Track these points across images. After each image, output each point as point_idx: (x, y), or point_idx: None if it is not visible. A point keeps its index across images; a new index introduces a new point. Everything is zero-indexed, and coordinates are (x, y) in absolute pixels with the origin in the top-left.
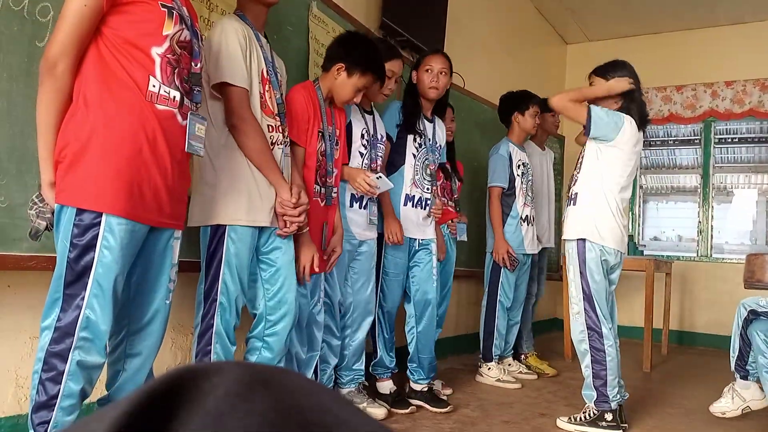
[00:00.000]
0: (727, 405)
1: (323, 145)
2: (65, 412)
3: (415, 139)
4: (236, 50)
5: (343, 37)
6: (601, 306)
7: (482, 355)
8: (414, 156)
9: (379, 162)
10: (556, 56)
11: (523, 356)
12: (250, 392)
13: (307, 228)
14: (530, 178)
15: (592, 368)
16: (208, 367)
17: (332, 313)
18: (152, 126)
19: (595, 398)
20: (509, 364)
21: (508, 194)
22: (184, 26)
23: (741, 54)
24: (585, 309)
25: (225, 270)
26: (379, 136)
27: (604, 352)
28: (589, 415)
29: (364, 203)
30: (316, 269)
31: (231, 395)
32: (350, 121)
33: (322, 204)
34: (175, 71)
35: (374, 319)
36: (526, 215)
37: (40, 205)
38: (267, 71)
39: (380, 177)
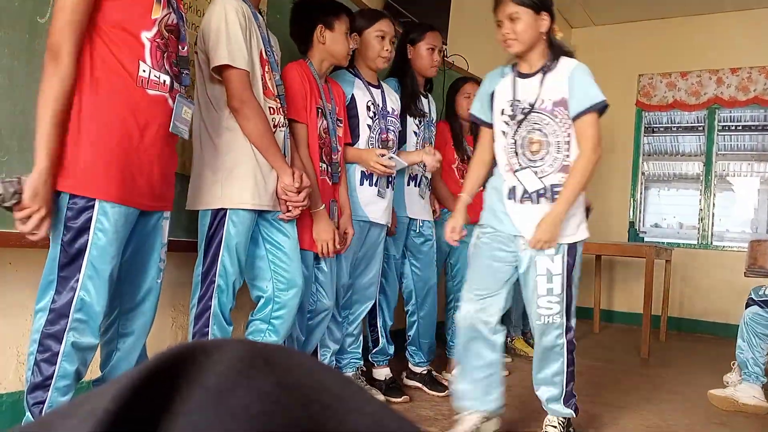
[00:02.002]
0: (732, 377)
1: (324, 121)
2: (60, 393)
3: (416, 117)
4: (237, 31)
5: (299, 10)
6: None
7: None
8: (416, 135)
9: (390, 135)
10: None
11: (509, 339)
12: (250, 369)
13: (323, 206)
14: None
15: (567, 371)
16: (209, 344)
17: (336, 297)
18: (143, 112)
19: (571, 402)
20: None
21: None
22: (171, 9)
23: (747, 41)
24: (567, 322)
25: (224, 252)
26: (389, 110)
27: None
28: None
29: (375, 180)
30: (338, 246)
31: (232, 372)
32: (353, 94)
33: (330, 182)
34: (165, 55)
35: (375, 305)
36: None
37: (8, 178)
38: (265, 52)
39: (391, 157)
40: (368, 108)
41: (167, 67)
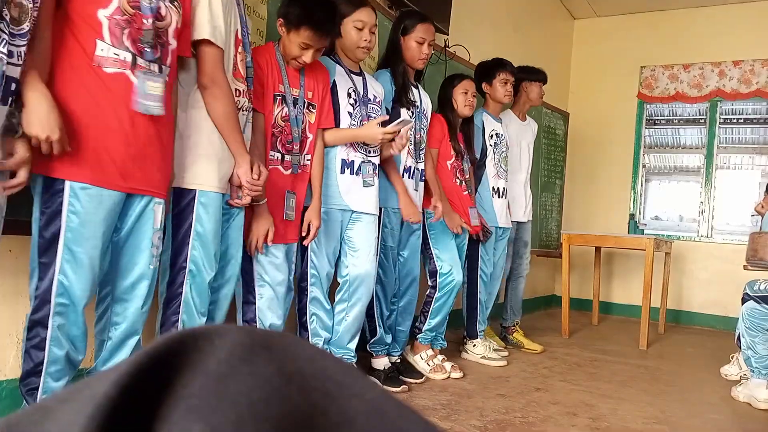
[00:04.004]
0: (730, 370)
1: (284, 109)
2: (53, 378)
3: (408, 108)
4: (219, 8)
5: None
6: None
7: (467, 332)
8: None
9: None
10: (563, 31)
11: (510, 329)
12: (252, 355)
13: (265, 200)
14: (504, 149)
15: None
16: (211, 330)
17: (321, 286)
18: (100, 90)
19: None
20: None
21: (479, 165)
22: None
23: (750, 33)
24: None
25: (195, 236)
26: (371, 96)
27: None
28: None
29: (356, 168)
30: (269, 242)
31: (233, 358)
32: (334, 80)
33: (286, 172)
34: (125, 32)
35: (372, 296)
36: (499, 188)
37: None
38: (241, 32)
39: (400, 121)
40: (349, 95)
41: (128, 43)
